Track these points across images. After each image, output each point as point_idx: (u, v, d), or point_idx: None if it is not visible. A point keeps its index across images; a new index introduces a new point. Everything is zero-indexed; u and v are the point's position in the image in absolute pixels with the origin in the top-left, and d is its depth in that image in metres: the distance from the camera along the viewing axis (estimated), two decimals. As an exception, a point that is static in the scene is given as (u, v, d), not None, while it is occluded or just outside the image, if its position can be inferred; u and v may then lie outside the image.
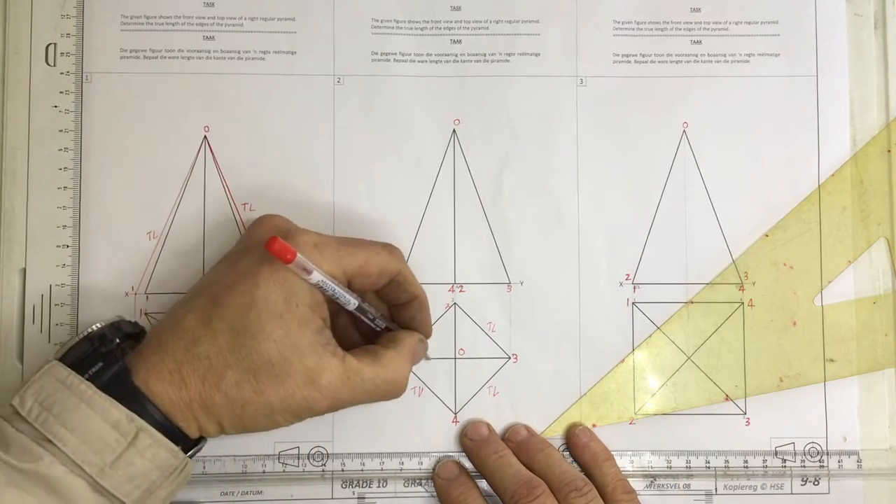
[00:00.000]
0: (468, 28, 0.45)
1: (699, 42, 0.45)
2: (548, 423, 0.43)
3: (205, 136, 0.43)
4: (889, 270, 0.45)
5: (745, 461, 0.43)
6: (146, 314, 0.43)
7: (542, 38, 0.45)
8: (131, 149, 0.43)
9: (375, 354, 0.38)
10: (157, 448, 0.34)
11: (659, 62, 0.45)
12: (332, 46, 0.44)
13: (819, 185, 0.45)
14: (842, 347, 0.44)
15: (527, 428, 0.43)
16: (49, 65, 0.43)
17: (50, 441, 0.32)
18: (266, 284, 0.35)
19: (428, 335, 0.42)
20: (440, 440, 0.43)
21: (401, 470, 0.43)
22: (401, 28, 0.45)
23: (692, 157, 0.45)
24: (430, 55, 0.45)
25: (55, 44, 0.43)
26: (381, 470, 0.43)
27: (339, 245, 0.37)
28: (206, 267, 0.43)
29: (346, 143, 0.44)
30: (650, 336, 0.44)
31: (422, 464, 0.43)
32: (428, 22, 0.45)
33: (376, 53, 0.44)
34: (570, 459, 0.43)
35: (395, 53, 0.44)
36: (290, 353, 0.35)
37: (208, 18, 0.44)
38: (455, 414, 0.43)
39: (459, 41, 0.45)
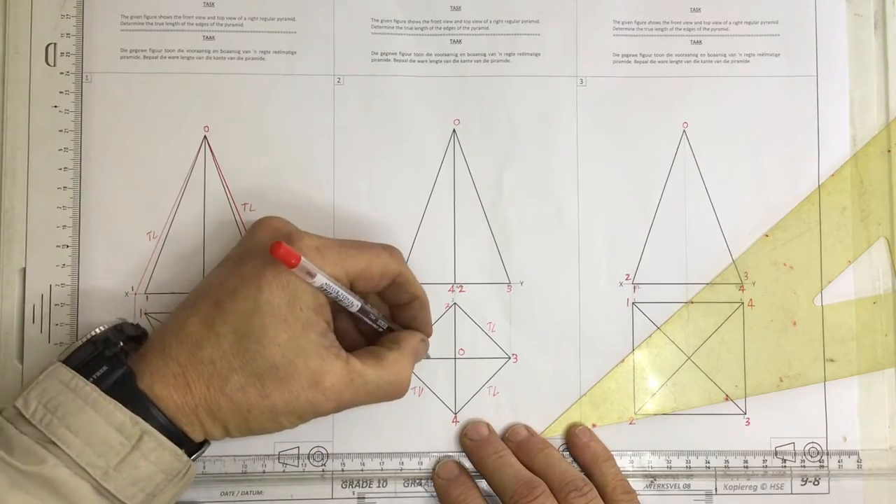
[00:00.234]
0: (468, 28, 0.45)
1: (699, 42, 0.45)
2: (548, 423, 0.43)
3: (205, 137, 0.43)
4: (889, 270, 0.45)
5: (745, 461, 0.43)
6: (146, 314, 0.43)
7: (542, 38, 0.45)
8: (131, 149, 0.43)
9: (378, 356, 0.38)
10: (161, 451, 0.34)
11: (659, 62, 0.45)
12: (332, 46, 0.44)
13: (819, 185, 0.45)
14: (842, 347, 0.44)
15: (527, 428, 0.43)
16: (49, 65, 0.43)
17: (54, 443, 0.32)
18: (270, 288, 0.35)
19: (429, 335, 0.42)
20: (440, 440, 0.43)
21: (401, 470, 0.43)
22: (401, 28, 0.45)
23: (692, 157, 0.45)
24: (430, 55, 0.45)
25: (55, 44, 0.43)
26: (381, 470, 0.43)
27: (340, 248, 0.37)
28: (206, 267, 0.43)
29: (346, 143, 0.44)
30: (650, 336, 0.44)
31: (422, 464, 0.43)
32: (428, 22, 0.45)
33: (376, 53, 0.44)
34: (570, 459, 0.43)
35: (395, 53, 0.44)
36: (295, 356, 0.35)
37: (208, 18, 0.44)
38: (455, 414, 0.43)
39: (459, 41, 0.45)
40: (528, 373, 0.44)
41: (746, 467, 0.43)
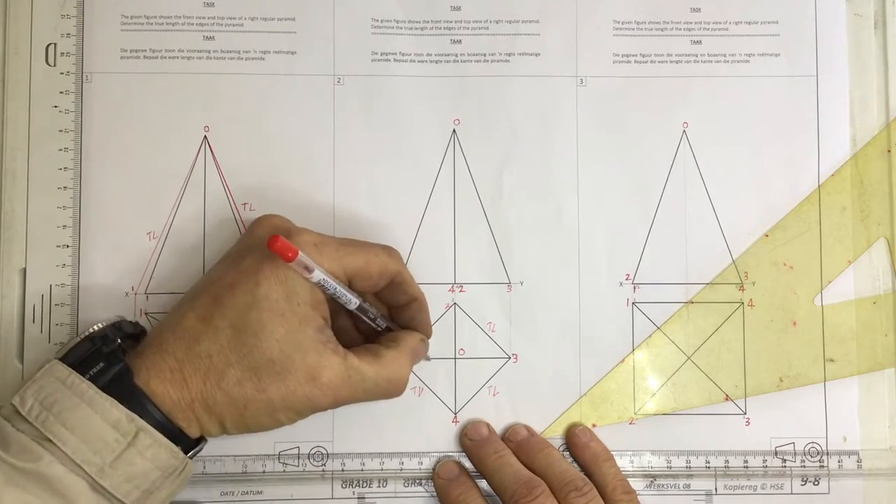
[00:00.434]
0: (468, 28, 0.45)
1: (699, 42, 0.45)
2: (548, 423, 0.43)
3: (205, 136, 0.43)
4: (889, 270, 0.45)
5: (745, 461, 0.43)
6: (146, 314, 0.43)
7: (542, 38, 0.45)
8: (131, 149, 0.43)
9: (376, 353, 0.38)
10: (157, 448, 0.34)
11: (659, 62, 0.45)
12: (332, 46, 0.44)
13: (819, 185, 0.45)
14: (842, 347, 0.44)
15: (527, 428, 0.43)
16: (49, 65, 0.43)
17: (50, 440, 0.32)
18: (267, 283, 0.35)
19: (428, 335, 0.42)
20: (440, 440, 0.43)
21: (401, 470, 0.43)
22: (401, 28, 0.45)
23: (692, 157, 0.45)
24: (430, 55, 0.45)
25: (55, 44, 0.43)
26: (381, 470, 0.43)
27: (339, 245, 0.37)
28: (206, 267, 0.43)
29: (346, 143, 0.44)
30: (650, 336, 0.44)
31: (422, 464, 0.43)
32: (428, 22, 0.45)
33: (376, 53, 0.44)
34: (570, 459, 0.43)
35: (395, 53, 0.44)
36: (292, 350, 0.35)
37: (208, 18, 0.44)
38: (455, 414, 0.43)
39: (459, 41, 0.45)
40: (528, 373, 0.44)
41: (746, 467, 0.43)
